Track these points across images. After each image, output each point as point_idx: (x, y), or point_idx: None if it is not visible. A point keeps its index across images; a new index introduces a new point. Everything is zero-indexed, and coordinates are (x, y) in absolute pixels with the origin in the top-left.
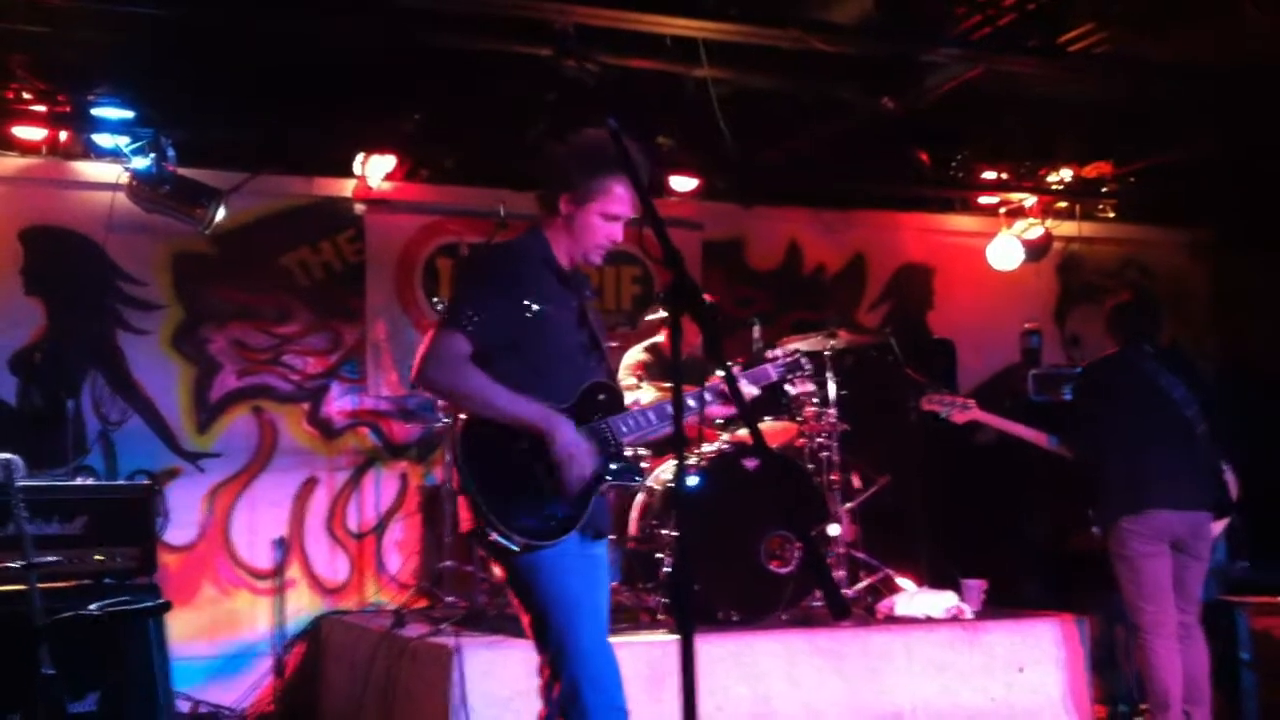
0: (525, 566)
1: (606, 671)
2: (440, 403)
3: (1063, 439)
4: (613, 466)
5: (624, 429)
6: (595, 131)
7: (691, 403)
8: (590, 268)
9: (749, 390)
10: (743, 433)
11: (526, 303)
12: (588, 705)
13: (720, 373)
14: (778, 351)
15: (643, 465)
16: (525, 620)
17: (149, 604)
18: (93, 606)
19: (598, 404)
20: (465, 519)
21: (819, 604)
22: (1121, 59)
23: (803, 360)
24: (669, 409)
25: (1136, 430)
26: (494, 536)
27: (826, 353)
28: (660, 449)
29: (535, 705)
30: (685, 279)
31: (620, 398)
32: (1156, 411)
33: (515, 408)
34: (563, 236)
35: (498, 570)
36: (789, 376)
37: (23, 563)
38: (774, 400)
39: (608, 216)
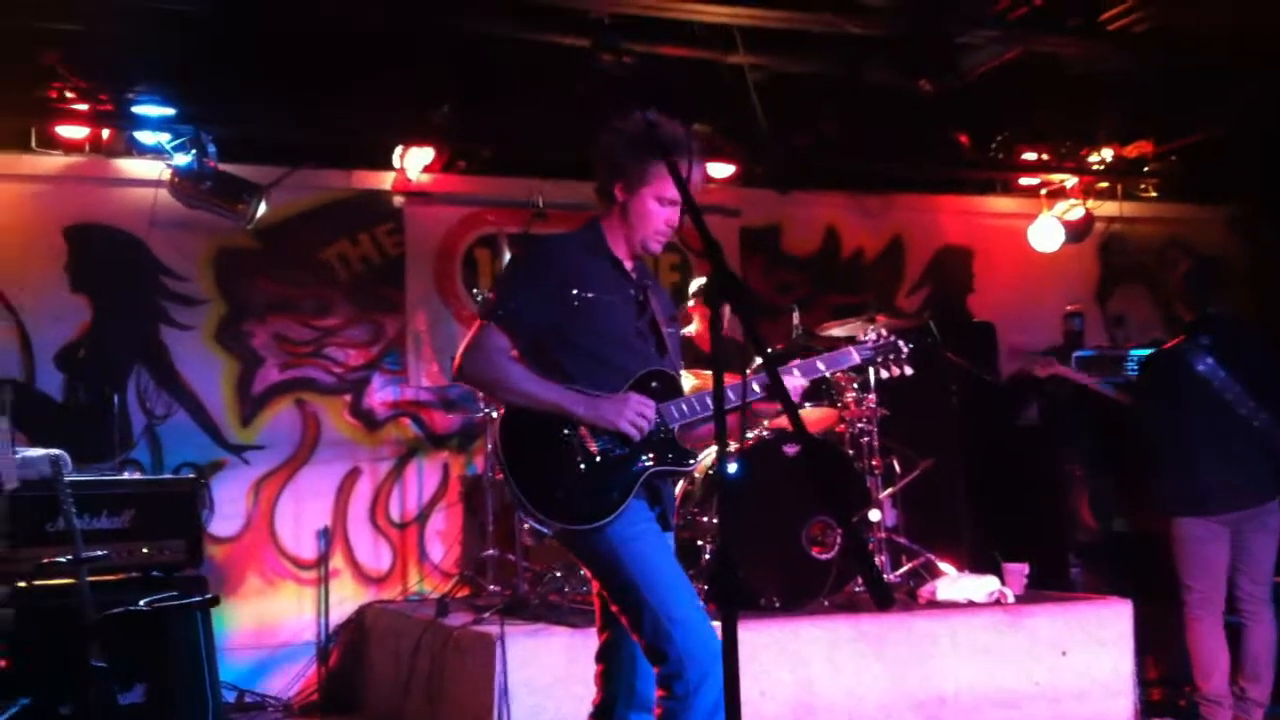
0: (596, 545)
1: (708, 641)
2: (481, 394)
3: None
4: (666, 454)
5: (676, 415)
6: (644, 115)
7: (732, 396)
8: (650, 256)
9: (819, 372)
10: (783, 419)
11: (569, 289)
12: (690, 681)
13: (760, 361)
14: (870, 335)
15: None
16: (616, 607)
17: (198, 599)
18: (143, 602)
19: (651, 391)
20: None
21: (861, 589)
22: (1162, 36)
23: (900, 342)
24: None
25: (1190, 434)
26: (529, 522)
27: (865, 337)
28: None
29: (577, 691)
30: (724, 269)
31: (677, 385)
32: (1209, 414)
33: (549, 394)
34: (619, 227)
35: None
36: (879, 360)
37: (72, 558)
38: (815, 386)
39: (663, 201)
